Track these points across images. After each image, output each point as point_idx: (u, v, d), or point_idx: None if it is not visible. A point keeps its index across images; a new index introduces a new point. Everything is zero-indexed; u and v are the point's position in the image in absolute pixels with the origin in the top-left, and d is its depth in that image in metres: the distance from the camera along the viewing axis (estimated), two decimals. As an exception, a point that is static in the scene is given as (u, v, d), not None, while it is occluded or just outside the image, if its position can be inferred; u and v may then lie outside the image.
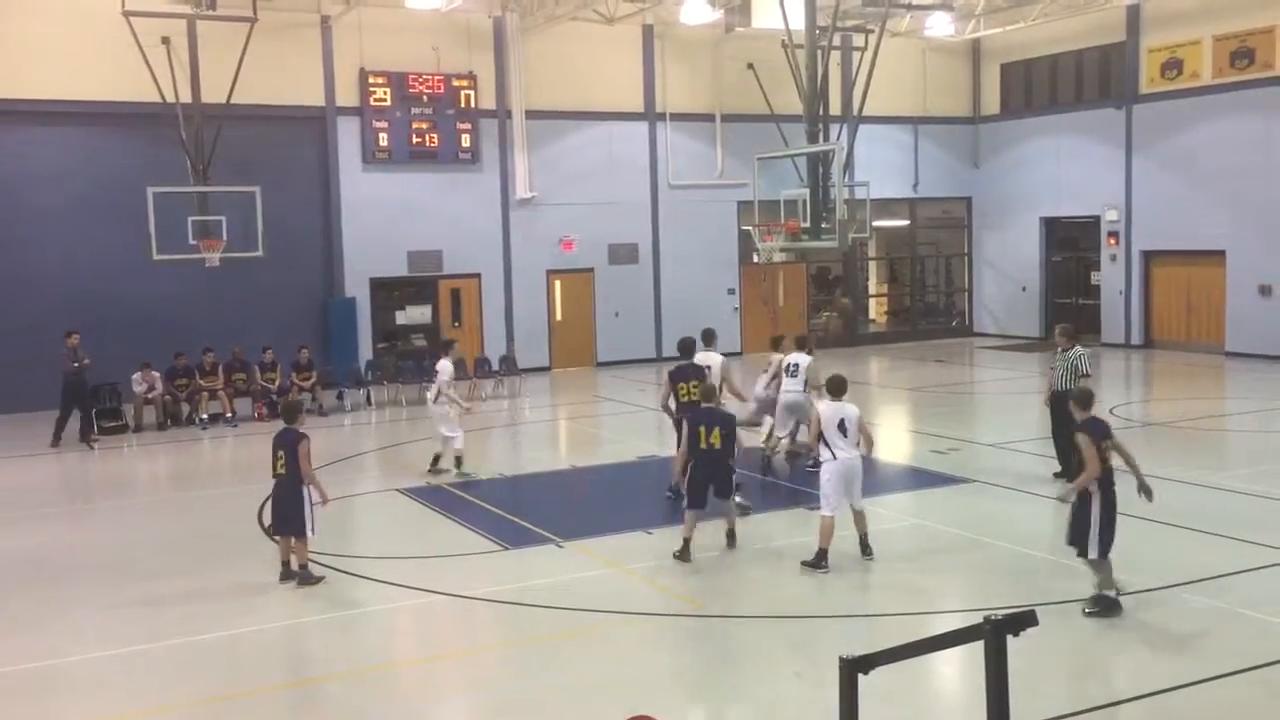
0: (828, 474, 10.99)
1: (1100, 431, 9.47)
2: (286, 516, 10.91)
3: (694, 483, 11.30)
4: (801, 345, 15.53)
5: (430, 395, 15.80)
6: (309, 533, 10.88)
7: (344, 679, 8.74)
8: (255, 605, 10.40)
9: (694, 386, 12.86)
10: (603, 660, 8.99)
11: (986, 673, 3.74)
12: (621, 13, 26.28)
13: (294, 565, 10.94)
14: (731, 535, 11.78)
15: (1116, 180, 28.20)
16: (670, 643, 9.38)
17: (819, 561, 10.88)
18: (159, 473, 17.99)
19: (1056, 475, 13.78)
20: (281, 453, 10.82)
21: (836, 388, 11.19)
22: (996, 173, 31.53)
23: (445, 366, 15.46)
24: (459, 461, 15.56)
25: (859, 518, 11.26)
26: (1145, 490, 9.64)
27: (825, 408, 11.12)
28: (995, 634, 3.63)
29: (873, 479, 15.49)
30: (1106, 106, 28.34)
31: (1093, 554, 9.38)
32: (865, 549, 11.21)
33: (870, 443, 11.59)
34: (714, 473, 11.33)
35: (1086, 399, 9.88)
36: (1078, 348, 14.01)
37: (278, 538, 11.21)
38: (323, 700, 8.40)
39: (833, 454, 10.91)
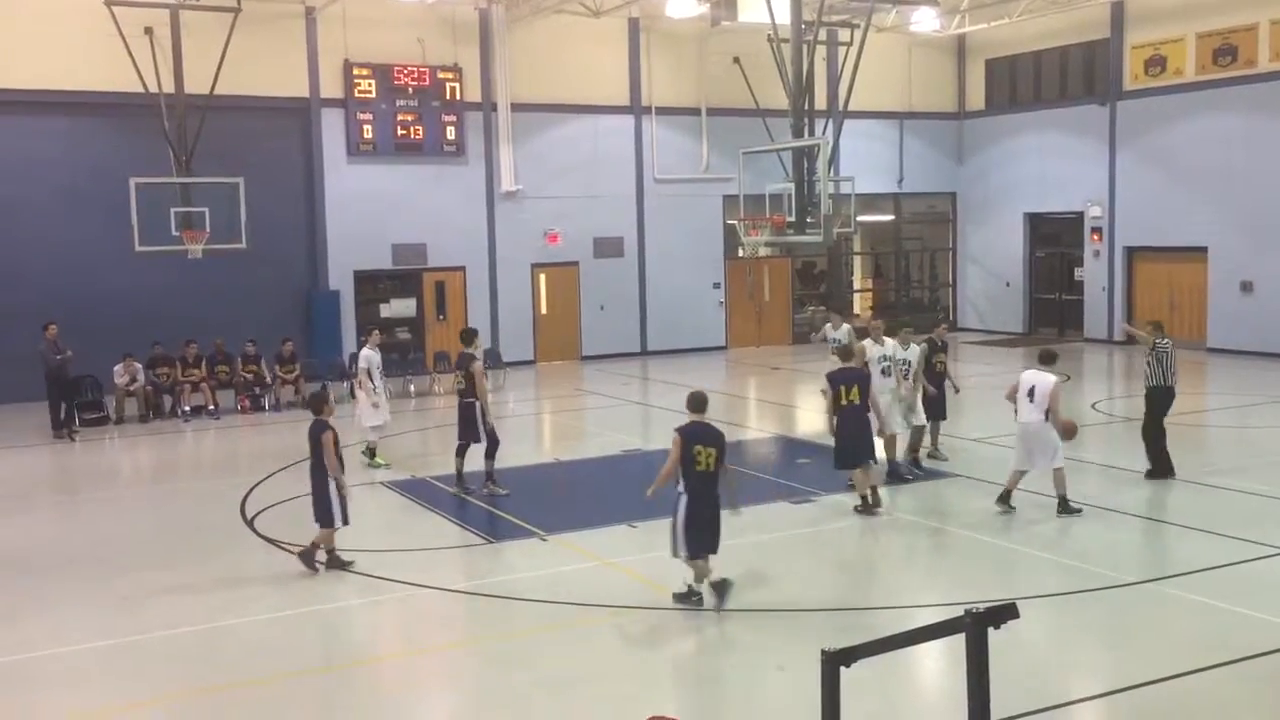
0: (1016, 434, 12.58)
1: (694, 436, 9.55)
2: (315, 506, 11.00)
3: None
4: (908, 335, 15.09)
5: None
6: (336, 523, 10.93)
7: (326, 673, 8.73)
8: (238, 599, 10.37)
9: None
10: (586, 654, 8.99)
11: (968, 665, 3.76)
12: (608, 6, 26.23)
13: (321, 551, 11.00)
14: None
15: (1100, 177, 28.31)
16: (654, 636, 9.39)
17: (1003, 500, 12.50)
18: (141, 465, 17.91)
19: (1149, 475, 13.66)
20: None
21: (1046, 357, 12.64)
22: (981, 168, 31.61)
23: (365, 355, 16.01)
24: (371, 452, 15.89)
25: (1056, 476, 12.26)
26: (731, 507, 9.82)
27: (1025, 374, 12.54)
28: (976, 627, 3.65)
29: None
30: (1090, 103, 28.44)
31: (680, 554, 9.59)
32: (1063, 506, 12.24)
33: (1054, 412, 12.31)
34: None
35: (696, 403, 9.80)
36: (1167, 339, 13.79)
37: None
38: (305, 694, 8.38)
39: (1015, 414, 12.46)
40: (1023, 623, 8.63)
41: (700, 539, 9.54)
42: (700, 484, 9.50)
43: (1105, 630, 9.29)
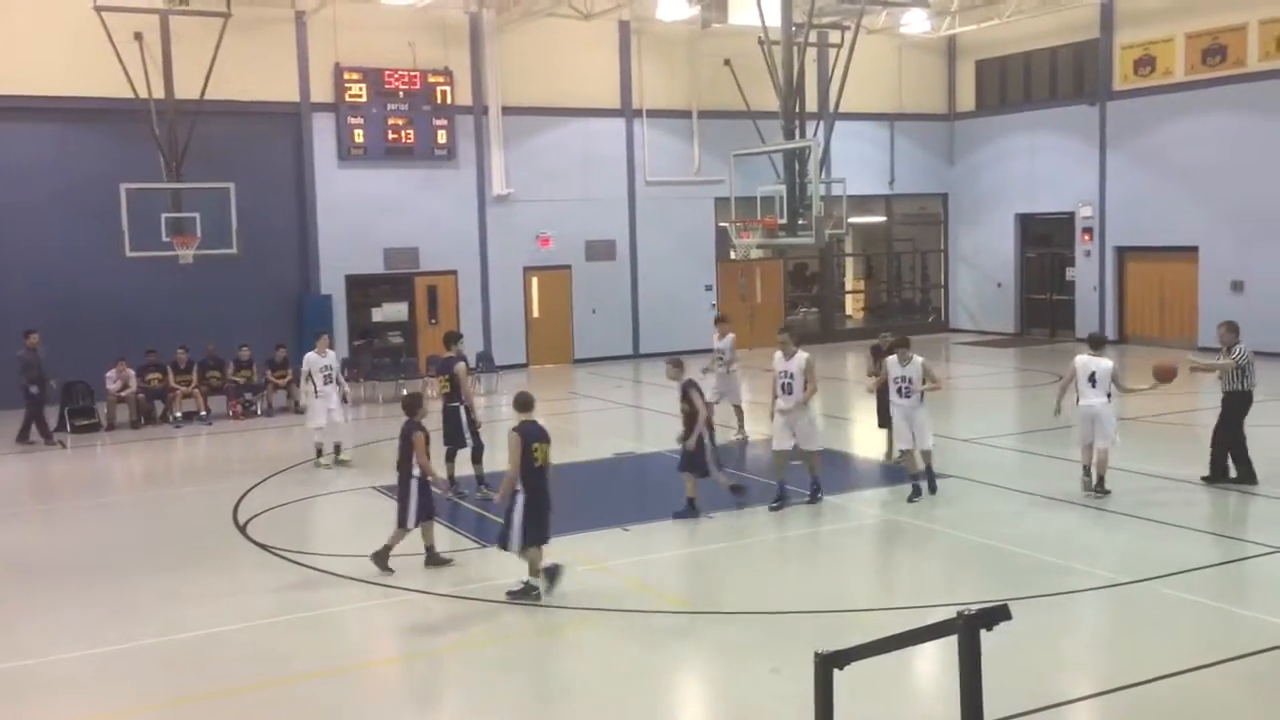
0: (1077, 417, 13.12)
1: (532, 435, 9.96)
2: (399, 505, 11.14)
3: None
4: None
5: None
6: (407, 524, 11.02)
7: (318, 678, 8.70)
8: (230, 604, 10.34)
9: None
10: (579, 658, 8.99)
11: (960, 667, 3.76)
12: (598, 9, 26.23)
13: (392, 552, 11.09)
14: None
15: (1090, 177, 28.38)
16: (647, 639, 9.38)
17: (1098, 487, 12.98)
18: (133, 471, 17.85)
19: (1205, 479, 13.32)
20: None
21: (1096, 342, 13.36)
22: (972, 169, 31.67)
23: (307, 358, 16.73)
24: (319, 451, 16.43)
25: (1102, 455, 12.96)
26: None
27: (1079, 360, 13.10)
28: (968, 628, 3.65)
29: (849, 474, 15.63)
30: (1080, 103, 28.52)
31: (513, 548, 10.04)
32: (1099, 485, 12.96)
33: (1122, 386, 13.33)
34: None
35: (523, 403, 10.40)
36: (1241, 345, 13.26)
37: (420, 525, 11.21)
38: (296, 700, 8.36)
39: (1077, 400, 12.97)
40: (1019, 623, 8.65)
41: (534, 531, 9.99)
42: (539, 479, 10.00)
43: (1101, 630, 9.31)
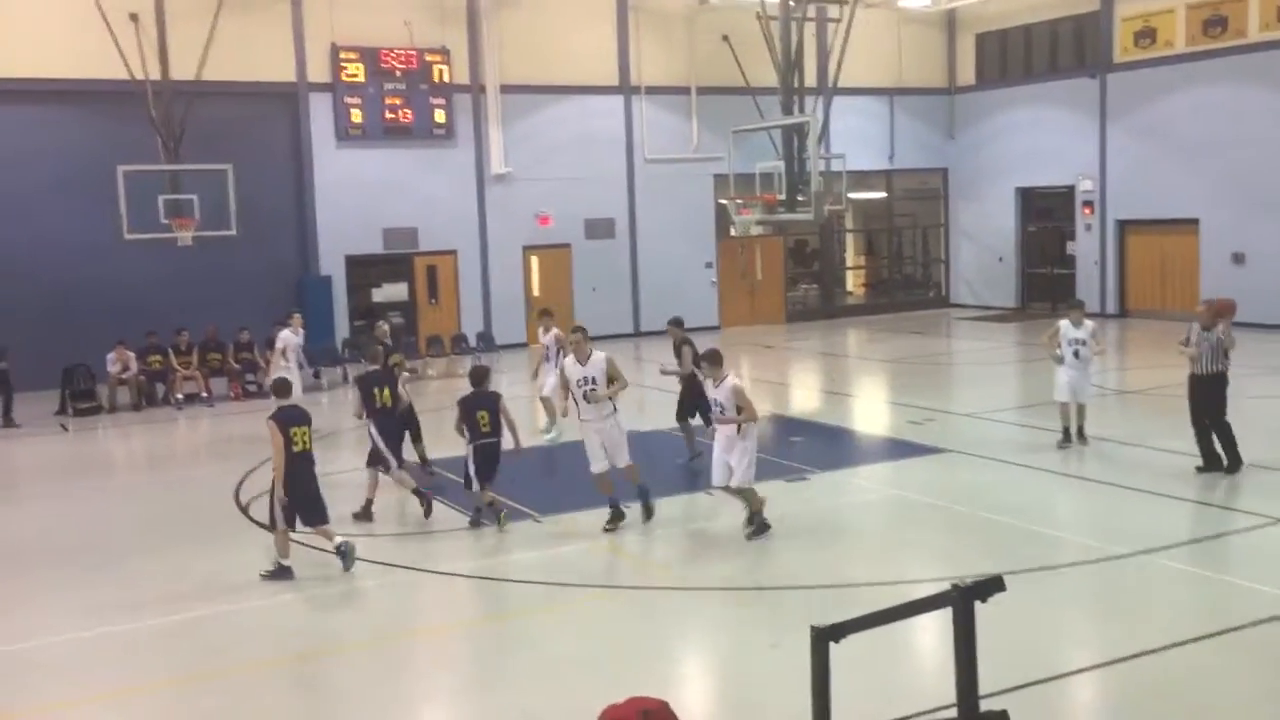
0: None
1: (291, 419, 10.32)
2: (493, 471, 11.73)
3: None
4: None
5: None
6: (473, 487, 11.72)
7: (323, 656, 8.74)
8: (234, 584, 10.37)
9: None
10: (579, 634, 9.01)
11: (955, 639, 3.77)
12: (595, -15, 26.12)
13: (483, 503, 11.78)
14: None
15: (1091, 150, 28.28)
16: (647, 616, 9.41)
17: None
18: (135, 453, 17.90)
19: (1199, 470, 12.73)
20: (484, 413, 11.57)
21: (1077, 306, 14.65)
22: (972, 144, 31.56)
23: (282, 335, 17.84)
24: None
25: (1079, 410, 14.19)
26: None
27: (1063, 325, 14.18)
28: (962, 600, 3.65)
29: (850, 449, 15.66)
30: (1081, 76, 28.39)
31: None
32: (1080, 437, 14.19)
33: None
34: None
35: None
36: (1220, 325, 12.73)
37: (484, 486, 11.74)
38: (302, 677, 8.40)
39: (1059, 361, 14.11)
40: (1016, 596, 8.65)
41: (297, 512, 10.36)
42: (300, 464, 10.27)
43: (1097, 602, 9.33)
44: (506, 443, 11.74)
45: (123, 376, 20.42)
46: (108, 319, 21.30)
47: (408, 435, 13.78)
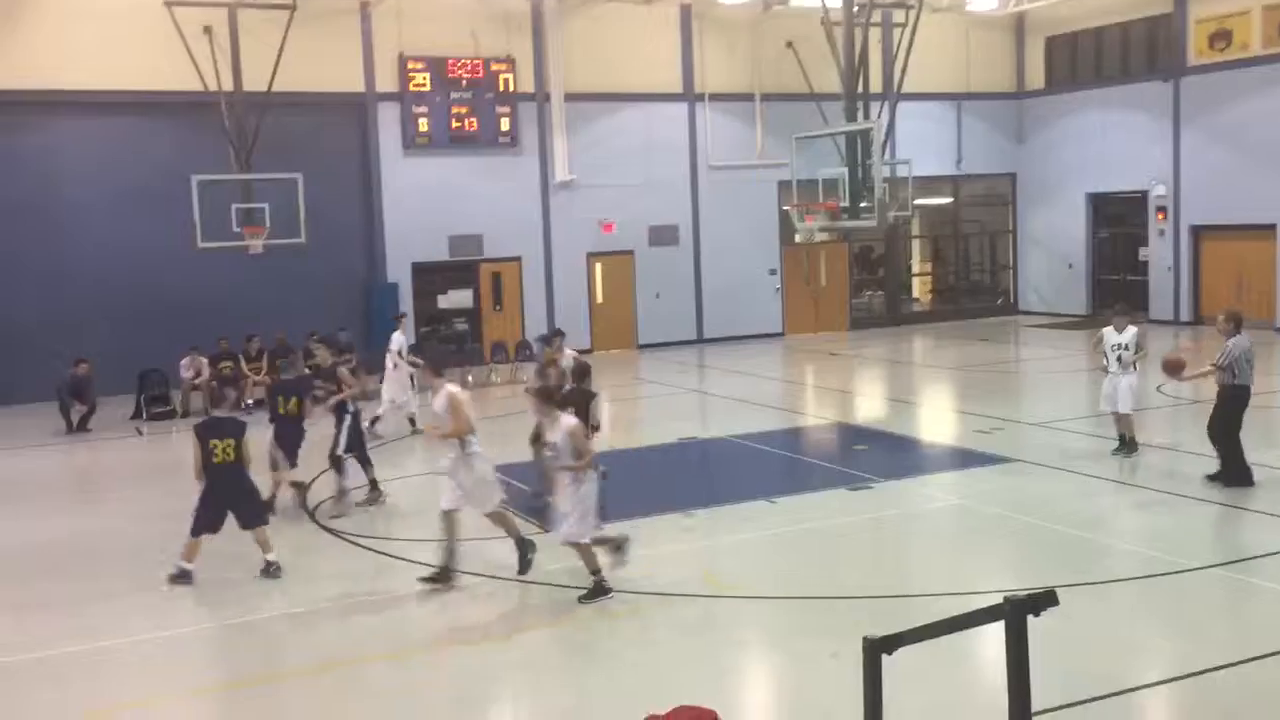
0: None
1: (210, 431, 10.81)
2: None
3: None
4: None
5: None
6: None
7: (390, 660, 8.82)
8: (296, 588, 10.52)
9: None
10: (638, 643, 9.02)
11: (1007, 653, 3.72)
12: (659, -7, 26.19)
13: None
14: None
15: (1164, 154, 27.74)
16: (706, 625, 9.39)
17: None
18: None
19: (1210, 478, 12.57)
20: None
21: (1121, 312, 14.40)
22: (1042, 148, 31.10)
23: (396, 337, 18.47)
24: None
25: (1123, 419, 14.09)
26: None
27: (1106, 333, 14.16)
28: (1015, 614, 3.61)
29: (915, 458, 15.51)
30: (1153, 79, 27.87)
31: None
32: (1130, 445, 14.11)
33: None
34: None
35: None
36: (1244, 334, 12.54)
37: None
38: (366, 681, 8.49)
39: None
40: (1082, 608, 8.48)
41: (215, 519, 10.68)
42: (220, 474, 10.62)
43: (1164, 616, 9.13)
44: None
45: (195, 382, 20.85)
46: (182, 325, 21.77)
47: (357, 461, 13.70)
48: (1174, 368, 13.17)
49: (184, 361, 20.87)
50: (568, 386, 11.99)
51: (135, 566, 11.44)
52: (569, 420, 9.80)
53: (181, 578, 10.61)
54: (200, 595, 10.45)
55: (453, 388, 10.51)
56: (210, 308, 22.51)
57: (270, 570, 10.77)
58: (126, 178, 22.72)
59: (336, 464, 13.48)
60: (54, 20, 22.03)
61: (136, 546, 12.29)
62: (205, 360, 21.02)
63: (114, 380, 20.65)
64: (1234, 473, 12.45)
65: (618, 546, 10.11)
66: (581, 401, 11.45)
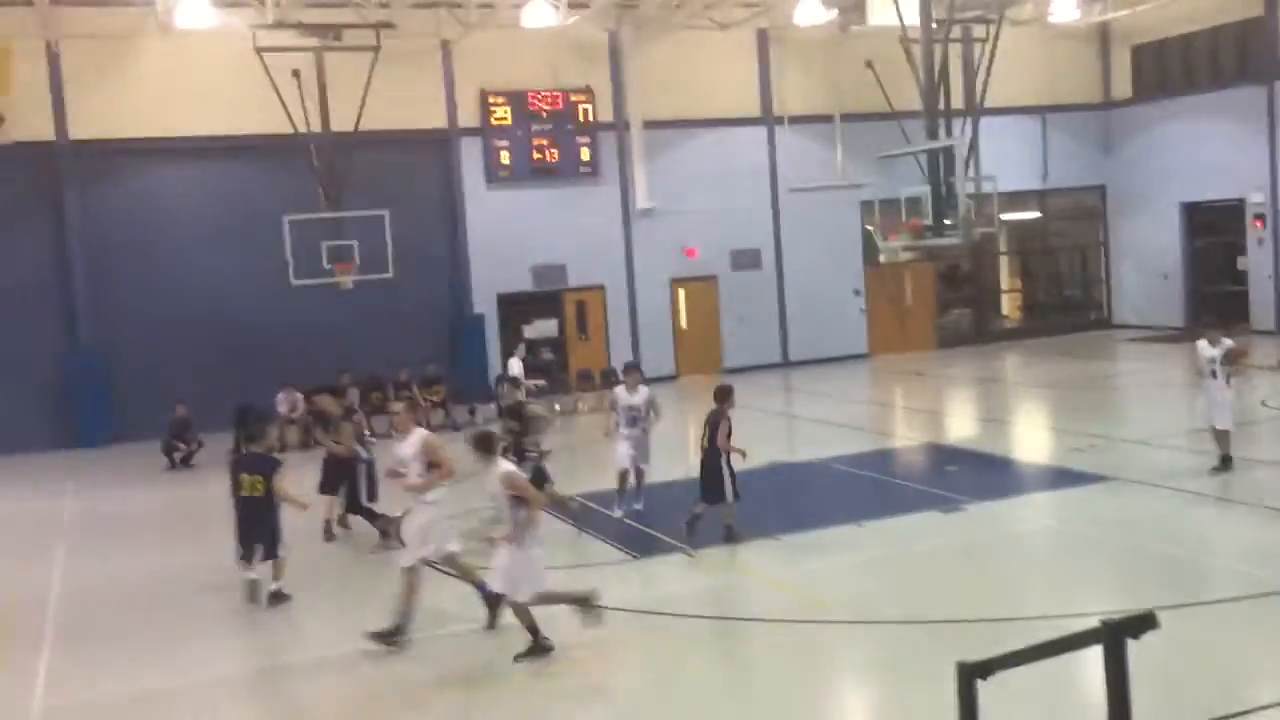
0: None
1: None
2: (711, 487, 12.17)
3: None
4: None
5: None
6: (728, 498, 12.14)
7: (487, 686, 8.88)
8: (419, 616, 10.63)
9: None
10: (733, 669, 8.98)
11: (1106, 677, 3.64)
12: (735, 18, 26.25)
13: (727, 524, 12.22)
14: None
15: (1260, 161, 26.97)
16: (802, 650, 9.30)
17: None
18: (302, 491, 18.50)
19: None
20: (706, 430, 12.20)
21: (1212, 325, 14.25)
22: (1131, 159, 30.45)
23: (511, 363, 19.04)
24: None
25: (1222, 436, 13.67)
26: None
27: (1200, 346, 13.90)
28: (1113, 638, 3.52)
29: (1008, 478, 15.23)
30: (1246, 85, 27.14)
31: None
32: (1225, 462, 13.61)
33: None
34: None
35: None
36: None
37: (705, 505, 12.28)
38: (472, 705, 8.55)
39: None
40: (1191, 630, 8.24)
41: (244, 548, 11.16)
42: (246, 508, 11.05)
43: (1270, 637, 8.82)
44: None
45: (291, 416, 21.30)
46: (277, 361, 22.27)
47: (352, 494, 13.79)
48: (1235, 356, 13.58)
49: (280, 396, 21.33)
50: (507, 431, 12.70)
51: (222, 602, 11.45)
52: (504, 468, 9.26)
53: (275, 598, 10.98)
54: (283, 635, 10.60)
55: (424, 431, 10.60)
56: (304, 343, 22.98)
57: (274, 598, 11.03)
58: (222, 219, 23.39)
59: (368, 514, 13.56)
60: (152, 70, 22.83)
61: (224, 583, 12.33)
62: (300, 395, 21.45)
63: (213, 417, 21.16)
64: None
65: (585, 601, 9.37)
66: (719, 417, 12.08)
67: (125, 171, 23.08)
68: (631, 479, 13.90)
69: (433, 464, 10.04)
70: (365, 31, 22.17)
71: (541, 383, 17.59)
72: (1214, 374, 13.64)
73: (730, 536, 12.16)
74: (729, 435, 12.04)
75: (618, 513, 13.63)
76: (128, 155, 22.87)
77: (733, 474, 12.10)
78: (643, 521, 13.51)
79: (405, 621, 9.59)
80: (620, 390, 14.05)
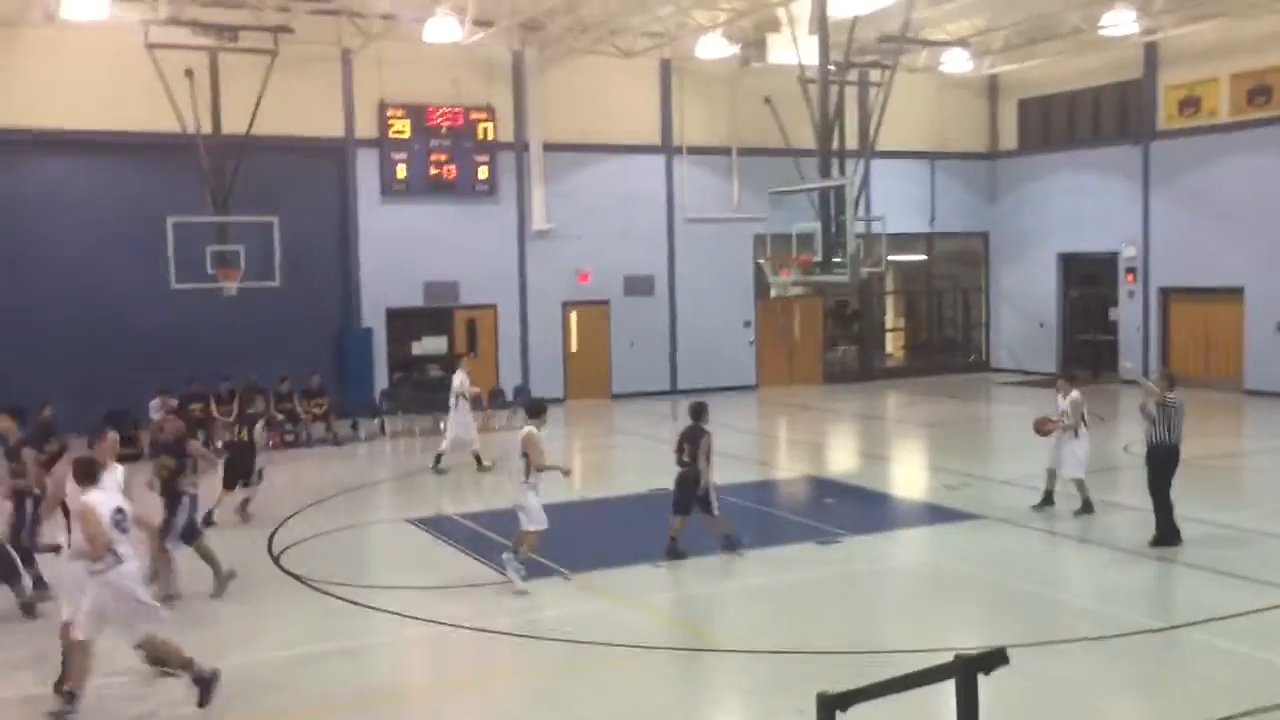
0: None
1: None
2: (686, 500, 12.48)
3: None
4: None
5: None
6: (715, 511, 12.47)
7: (348, 709, 8.73)
8: (264, 634, 10.40)
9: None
10: (604, 694, 8.96)
11: (958, 711, 3.73)
12: (639, 47, 26.48)
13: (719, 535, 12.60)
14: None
15: (1134, 217, 28.14)
16: (673, 677, 9.35)
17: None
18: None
19: (1154, 543, 12.54)
20: (686, 445, 12.53)
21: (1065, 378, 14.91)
22: (1014, 208, 31.50)
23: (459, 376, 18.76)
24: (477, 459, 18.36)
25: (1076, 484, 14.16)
26: None
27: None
28: (965, 672, 3.62)
29: (884, 513, 15.54)
30: (1124, 143, 28.33)
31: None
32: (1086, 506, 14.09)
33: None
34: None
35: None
36: (1176, 393, 12.99)
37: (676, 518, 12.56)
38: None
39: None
40: (1047, 667, 8.48)
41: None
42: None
43: (1128, 677, 9.14)
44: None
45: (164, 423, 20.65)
46: (154, 366, 21.59)
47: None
48: (1039, 427, 14.40)
49: (154, 402, 20.67)
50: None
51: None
52: (86, 499, 8.54)
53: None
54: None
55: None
56: (183, 349, 22.34)
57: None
58: (103, 217, 22.67)
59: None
60: (36, 59, 22.05)
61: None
62: (176, 401, 20.84)
63: (85, 420, 20.38)
64: (1164, 532, 12.58)
65: (189, 669, 8.53)
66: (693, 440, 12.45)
67: (3, 162, 22.23)
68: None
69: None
70: (263, 34, 21.76)
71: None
72: (1062, 425, 14.17)
73: (729, 545, 12.60)
74: (709, 451, 12.43)
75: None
76: (7, 146, 22.03)
77: (714, 488, 12.50)
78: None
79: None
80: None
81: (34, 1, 21.77)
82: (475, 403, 23.01)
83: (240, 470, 15.08)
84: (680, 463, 12.60)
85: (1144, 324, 28.18)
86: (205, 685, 8.49)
